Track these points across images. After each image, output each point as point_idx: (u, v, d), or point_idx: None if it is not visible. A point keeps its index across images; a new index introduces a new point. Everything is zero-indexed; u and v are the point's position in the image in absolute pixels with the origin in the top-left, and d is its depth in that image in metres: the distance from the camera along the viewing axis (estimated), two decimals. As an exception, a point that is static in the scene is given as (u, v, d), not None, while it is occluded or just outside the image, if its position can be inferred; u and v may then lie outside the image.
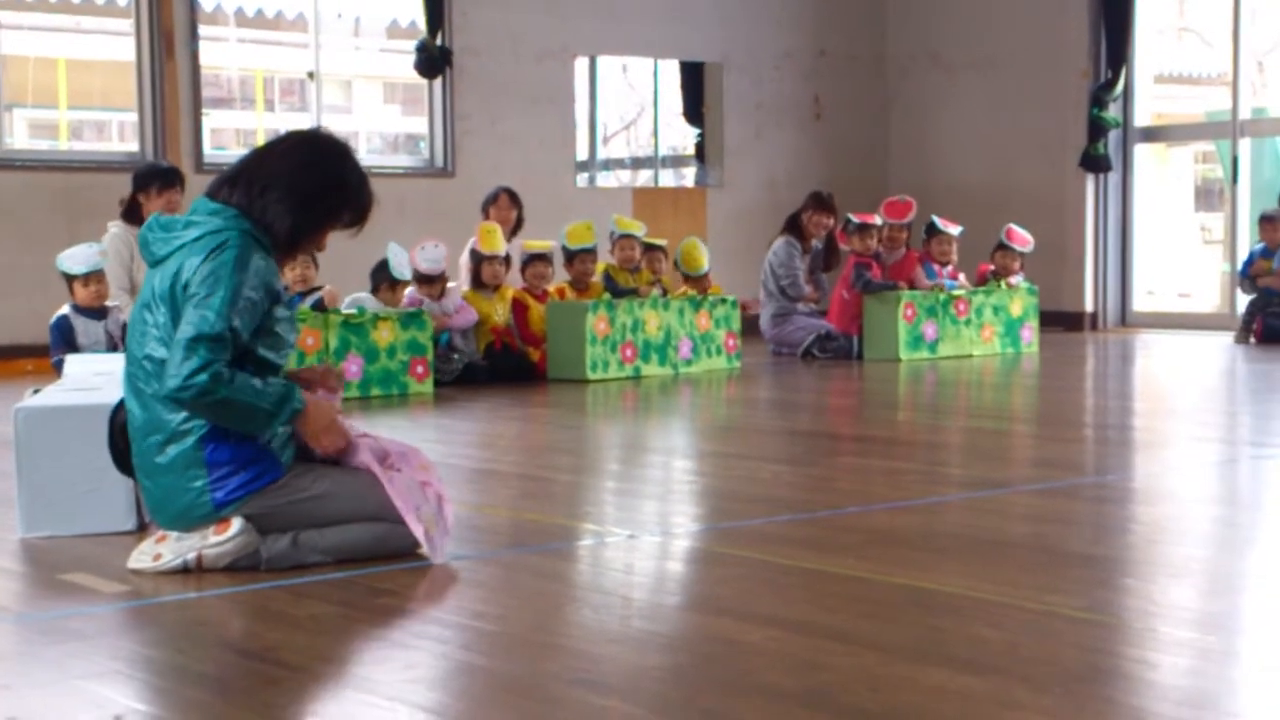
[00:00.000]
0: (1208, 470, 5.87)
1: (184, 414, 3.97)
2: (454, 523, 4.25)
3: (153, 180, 9.12)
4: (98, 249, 8.32)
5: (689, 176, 14.90)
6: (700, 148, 14.39)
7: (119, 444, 4.21)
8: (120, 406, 4.21)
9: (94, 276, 8.23)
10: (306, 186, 4.10)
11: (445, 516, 4.17)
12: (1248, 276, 11.93)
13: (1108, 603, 3.65)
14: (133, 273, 9.06)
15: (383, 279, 8.98)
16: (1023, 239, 11.43)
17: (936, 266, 11.23)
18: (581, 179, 13.68)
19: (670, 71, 14.35)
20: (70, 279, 8.23)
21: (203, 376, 3.87)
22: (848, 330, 10.93)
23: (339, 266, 9.94)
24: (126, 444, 4.16)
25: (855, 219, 11.12)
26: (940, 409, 8.48)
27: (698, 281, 10.37)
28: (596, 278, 10.02)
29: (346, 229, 4.29)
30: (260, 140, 15.36)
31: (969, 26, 14.31)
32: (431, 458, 4.35)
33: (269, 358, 4.05)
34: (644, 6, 13.50)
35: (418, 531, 4.08)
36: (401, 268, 8.97)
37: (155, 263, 4.09)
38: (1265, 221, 11.95)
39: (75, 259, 8.25)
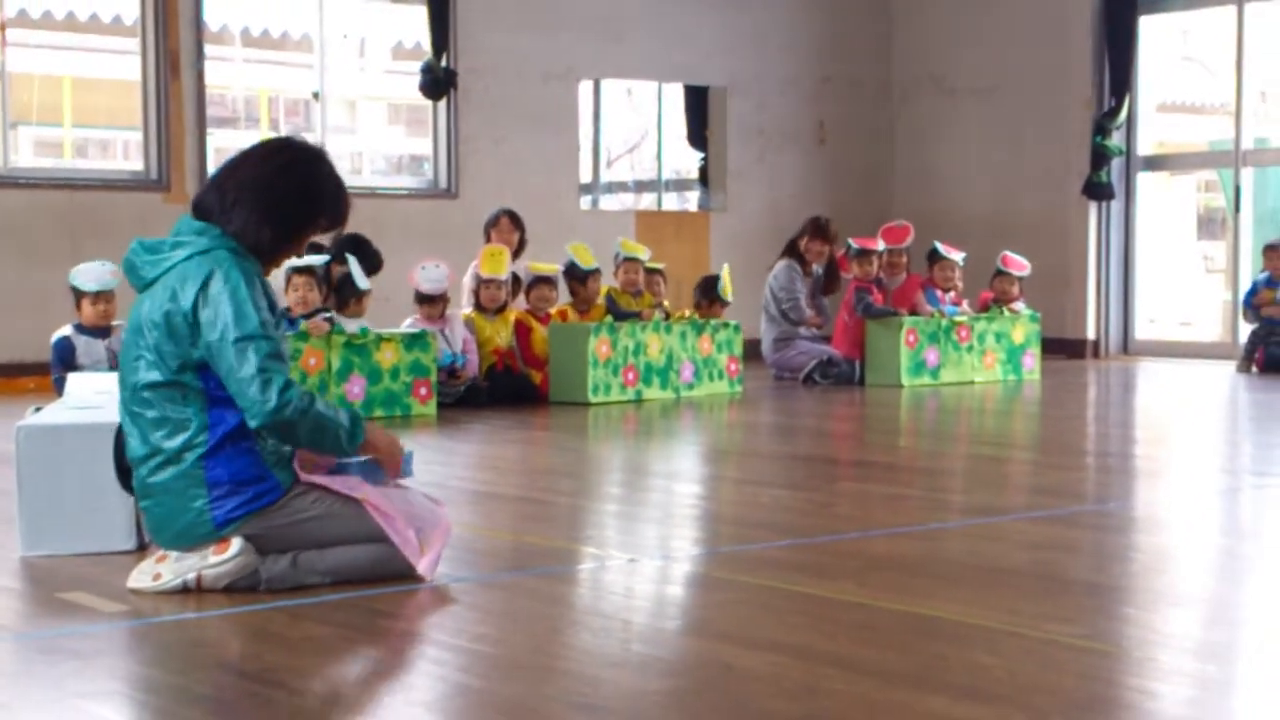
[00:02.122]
0: (1209, 499, 5.87)
1: (181, 438, 3.97)
2: (444, 546, 4.22)
3: None
4: (111, 268, 8.28)
5: (692, 200, 14.92)
6: (704, 171, 14.40)
7: (123, 462, 4.20)
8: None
9: (103, 295, 8.22)
10: (280, 194, 4.09)
11: (438, 538, 4.17)
12: (1251, 306, 11.93)
13: (1108, 631, 3.64)
14: None
15: (350, 294, 8.92)
16: (1019, 264, 11.44)
17: (939, 292, 11.23)
18: (585, 201, 13.69)
19: (674, 95, 14.37)
20: (80, 295, 8.22)
21: (292, 393, 3.92)
22: (850, 355, 10.93)
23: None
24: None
25: (855, 244, 11.12)
26: (942, 435, 8.47)
27: (721, 307, 10.41)
28: (599, 300, 10.03)
29: (324, 232, 4.32)
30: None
31: (973, 53, 14.34)
32: (433, 479, 4.34)
33: None
34: (648, 30, 13.54)
35: (408, 547, 4.07)
36: (362, 278, 8.91)
37: (144, 286, 4.09)
38: (1269, 251, 11.96)
39: (88, 275, 8.23)
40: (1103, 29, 13.49)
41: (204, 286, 3.96)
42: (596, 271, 10.03)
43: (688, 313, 10.34)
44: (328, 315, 8.59)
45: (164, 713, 3.09)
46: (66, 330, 8.33)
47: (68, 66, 15.07)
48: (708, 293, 10.49)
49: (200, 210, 4.11)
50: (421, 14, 12.32)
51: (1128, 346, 13.88)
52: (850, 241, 11.21)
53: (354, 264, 8.86)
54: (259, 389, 3.90)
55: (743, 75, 14.09)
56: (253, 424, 3.93)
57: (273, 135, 4.41)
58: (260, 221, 4.06)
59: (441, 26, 12.28)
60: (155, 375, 3.99)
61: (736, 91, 14.09)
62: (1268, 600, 4.11)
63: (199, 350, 3.95)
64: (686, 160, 15.05)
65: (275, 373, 3.92)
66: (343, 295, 8.85)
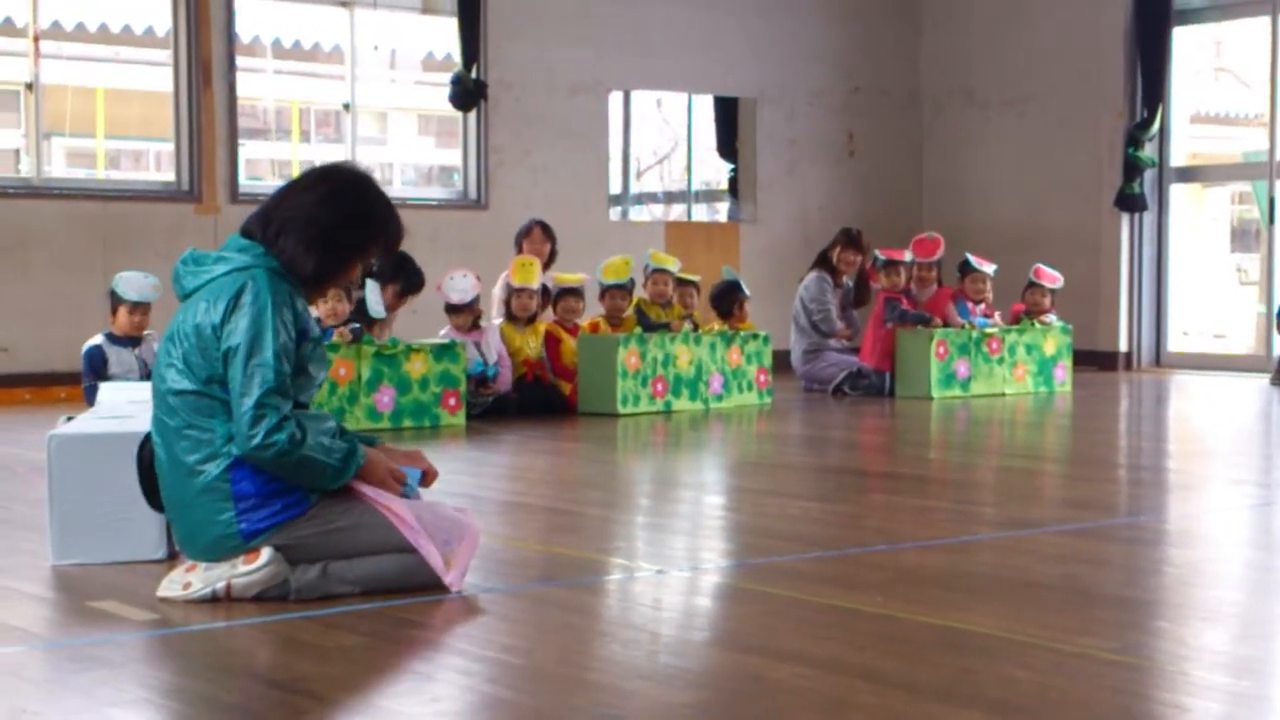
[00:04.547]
0: (1242, 513, 5.83)
1: (206, 449, 3.99)
2: (471, 557, 4.21)
3: None
4: (154, 282, 8.37)
5: (722, 211, 14.91)
6: (733, 183, 14.39)
7: (147, 480, 4.22)
8: (146, 442, 4.23)
9: (141, 307, 8.29)
10: (326, 224, 4.09)
11: (465, 550, 4.17)
12: (1284, 318, 11.86)
13: (1140, 645, 3.62)
14: None
15: (360, 317, 8.85)
16: (1051, 276, 11.40)
17: (970, 304, 11.19)
18: (614, 213, 13.70)
19: (704, 106, 14.38)
20: (118, 302, 8.29)
21: (280, 435, 3.91)
22: (880, 367, 10.90)
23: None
24: (155, 480, 4.17)
25: (882, 255, 11.11)
26: (972, 447, 8.44)
27: (746, 302, 10.45)
28: (629, 312, 10.02)
29: (379, 258, 4.32)
30: (295, 171, 15.46)
31: (1004, 64, 14.31)
32: (462, 489, 4.34)
33: (298, 397, 4.07)
34: (679, 41, 13.54)
35: (434, 560, 4.07)
36: (378, 308, 8.84)
37: (185, 296, 4.13)
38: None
39: (131, 285, 8.31)
40: (1134, 40, 13.44)
41: (234, 300, 3.98)
42: (622, 287, 9.96)
43: (717, 325, 10.33)
44: (355, 326, 8.60)
45: (193, 722, 3.09)
46: (98, 339, 8.38)
47: (101, 78, 15.14)
48: (726, 299, 10.52)
49: (246, 235, 4.13)
50: (452, 26, 12.35)
51: (1160, 359, 13.81)
52: (877, 253, 11.19)
53: (371, 291, 8.82)
54: (249, 423, 3.92)
55: (772, 86, 14.08)
56: (235, 450, 3.95)
57: (325, 162, 4.39)
58: (305, 252, 4.07)
59: (472, 38, 12.30)
60: (184, 384, 4.01)
61: (766, 102, 14.08)
62: (1301, 615, 4.08)
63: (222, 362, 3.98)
64: (716, 171, 15.05)
65: (270, 410, 3.92)
66: (356, 317, 8.83)
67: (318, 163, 4.42)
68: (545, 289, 10.00)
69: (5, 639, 3.70)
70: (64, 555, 4.55)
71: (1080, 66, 13.74)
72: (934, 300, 11.15)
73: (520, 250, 10.44)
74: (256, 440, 3.91)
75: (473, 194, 12.64)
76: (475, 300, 9.40)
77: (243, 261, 4.05)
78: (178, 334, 4.06)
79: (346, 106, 12.43)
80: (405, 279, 9.34)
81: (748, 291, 10.62)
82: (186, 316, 4.06)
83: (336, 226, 4.10)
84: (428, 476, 4.31)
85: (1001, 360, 10.95)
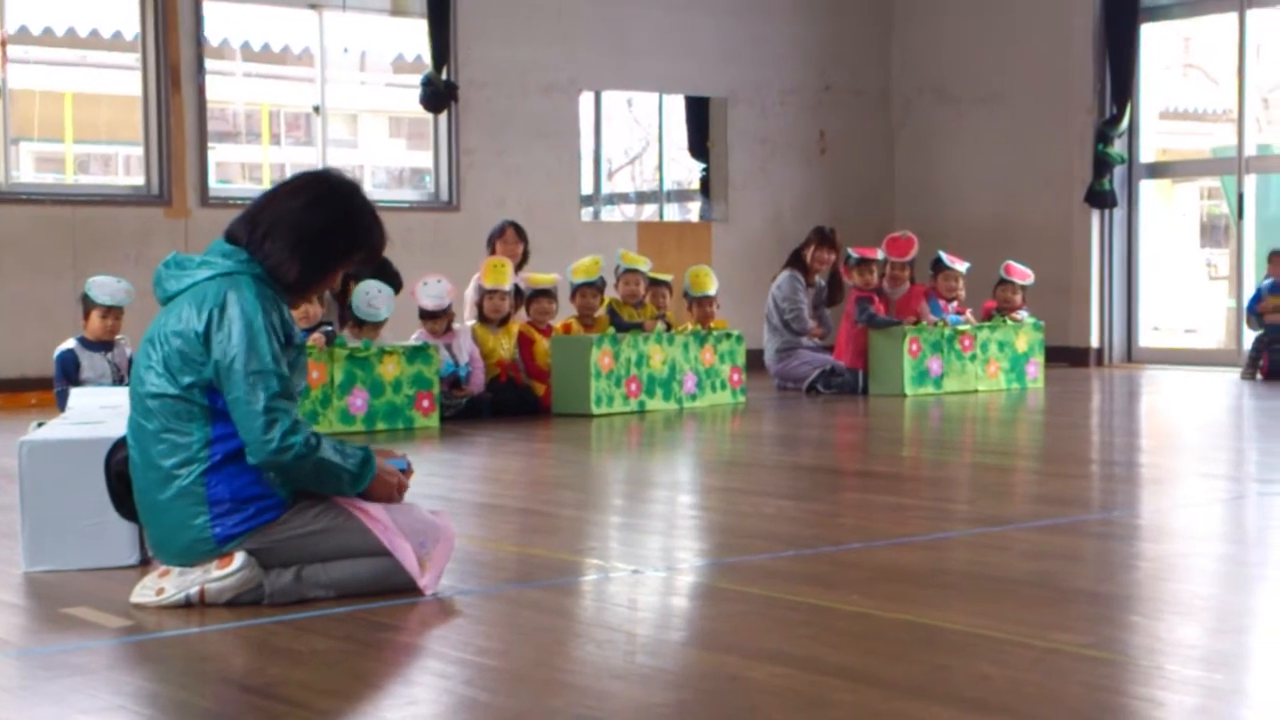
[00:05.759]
0: (1214, 507, 5.85)
1: (182, 454, 3.97)
2: (446, 560, 4.20)
3: None
4: (126, 286, 8.35)
5: (694, 211, 14.92)
6: (705, 182, 14.41)
7: (116, 488, 4.20)
8: (115, 449, 4.21)
9: (114, 311, 8.28)
10: (311, 229, 4.09)
11: (441, 553, 4.16)
12: (1255, 312, 11.91)
13: (1114, 640, 3.63)
14: None
15: (348, 319, 8.82)
16: (1022, 273, 11.44)
17: (943, 302, 11.22)
18: (586, 213, 13.69)
19: (676, 106, 14.38)
20: (90, 306, 8.27)
21: (297, 438, 3.90)
22: (853, 365, 10.92)
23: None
24: (124, 487, 4.16)
25: (855, 254, 11.12)
26: (945, 444, 8.46)
27: (702, 304, 10.39)
28: (601, 312, 10.02)
29: (360, 265, 4.32)
30: (265, 174, 15.43)
31: (974, 61, 14.35)
32: (437, 491, 4.33)
33: None
34: (650, 41, 13.55)
35: (409, 563, 4.06)
36: (372, 309, 8.82)
37: (166, 299, 4.11)
38: (1274, 257, 11.93)
39: (103, 289, 8.30)
40: (1104, 36, 13.50)
41: (219, 308, 3.96)
42: (592, 285, 9.98)
43: (690, 325, 10.34)
44: (329, 329, 8.58)
45: (167, 728, 3.08)
46: (70, 343, 8.35)
47: (69, 82, 15.08)
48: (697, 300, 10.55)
49: (230, 240, 4.11)
50: (422, 27, 12.33)
51: (1131, 354, 13.87)
52: (850, 251, 11.21)
53: (379, 296, 8.74)
54: (263, 428, 3.89)
55: (744, 85, 14.10)
56: (251, 460, 3.93)
57: (310, 168, 4.41)
58: (290, 256, 4.06)
59: (442, 39, 12.29)
60: (164, 387, 3.99)
61: (738, 102, 14.09)
62: (1274, 607, 4.10)
63: (209, 370, 3.96)
64: (688, 171, 15.06)
65: (281, 414, 3.91)
66: (346, 317, 8.80)
67: (288, 166, 4.40)
68: (518, 290, 10.00)
69: (-23, 647, 3.68)
70: (36, 562, 4.53)
71: (1050, 63, 13.79)
72: (907, 298, 11.17)
73: (493, 251, 10.43)
74: (273, 445, 3.89)
75: (444, 196, 12.62)
76: (449, 306, 9.38)
77: (226, 267, 4.03)
78: (158, 337, 4.03)
79: (316, 109, 12.40)
80: (386, 282, 9.32)
81: (700, 293, 10.53)
82: (168, 320, 4.03)
83: (322, 231, 4.10)
84: (408, 472, 4.32)
85: (974, 357, 10.98)
